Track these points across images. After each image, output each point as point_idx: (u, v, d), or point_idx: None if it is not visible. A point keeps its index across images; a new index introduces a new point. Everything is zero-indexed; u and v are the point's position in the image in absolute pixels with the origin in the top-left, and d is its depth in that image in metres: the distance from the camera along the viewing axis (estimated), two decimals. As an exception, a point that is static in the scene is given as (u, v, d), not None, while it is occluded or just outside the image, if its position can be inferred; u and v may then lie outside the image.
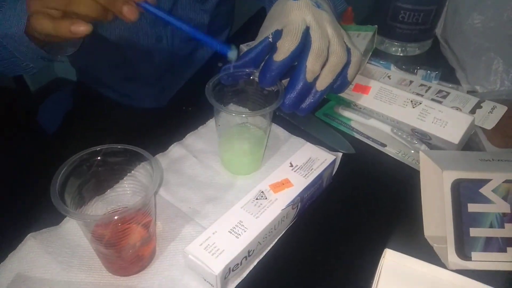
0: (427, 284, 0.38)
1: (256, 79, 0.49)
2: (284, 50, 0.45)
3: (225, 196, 0.50)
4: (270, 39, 0.47)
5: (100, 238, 0.38)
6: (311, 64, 0.46)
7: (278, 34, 0.46)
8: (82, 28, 0.43)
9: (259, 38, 0.48)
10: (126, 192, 0.44)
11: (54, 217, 0.46)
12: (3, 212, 0.48)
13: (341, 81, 0.50)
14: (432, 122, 0.54)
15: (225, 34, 0.90)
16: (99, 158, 0.39)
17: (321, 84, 0.48)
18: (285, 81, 0.49)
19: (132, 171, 0.41)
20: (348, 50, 0.49)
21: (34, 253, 0.42)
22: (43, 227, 0.45)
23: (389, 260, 0.39)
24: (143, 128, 0.66)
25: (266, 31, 0.48)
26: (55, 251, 0.43)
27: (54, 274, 0.41)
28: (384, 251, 0.39)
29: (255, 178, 0.53)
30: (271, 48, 0.47)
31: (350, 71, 0.50)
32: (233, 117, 0.51)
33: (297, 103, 0.48)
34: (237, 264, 0.40)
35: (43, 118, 1.01)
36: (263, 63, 0.48)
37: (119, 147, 0.39)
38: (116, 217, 0.35)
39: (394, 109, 0.57)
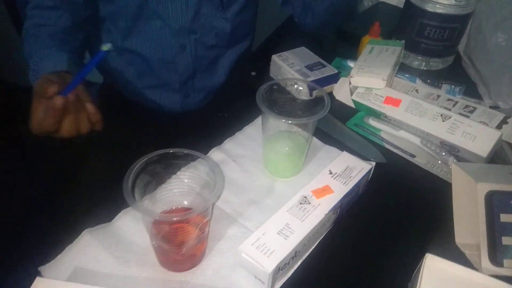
0: (465, 287, 0.40)
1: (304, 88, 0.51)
2: None
3: (266, 200, 0.53)
4: None
5: (161, 234, 0.41)
6: None
7: None
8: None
9: None
10: (183, 192, 0.46)
11: (106, 214, 0.49)
12: (55, 209, 0.50)
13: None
14: (462, 136, 0.57)
15: (248, 42, 0.92)
16: (164, 160, 0.41)
17: None
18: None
19: (190, 173, 0.44)
20: None
21: (90, 247, 0.45)
22: (94, 223, 0.48)
23: (429, 264, 0.41)
24: (176, 132, 0.69)
25: None
26: (111, 246, 0.45)
27: (112, 268, 0.44)
28: (425, 255, 0.42)
29: (294, 183, 0.55)
30: None
31: None
32: (280, 123, 0.54)
33: None
34: (286, 264, 0.43)
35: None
36: None
37: (185, 151, 0.41)
38: (182, 218, 0.38)
39: (425, 122, 0.60)
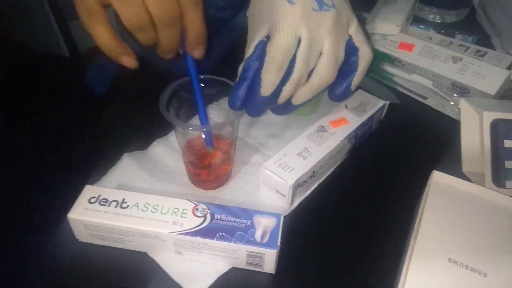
0: (470, 200, 0.44)
1: None
2: (270, 82, 0.40)
3: (286, 133, 0.57)
4: (265, 41, 0.41)
5: (193, 149, 0.46)
6: (287, 91, 0.41)
7: (268, 40, 0.41)
8: (130, 63, 0.36)
9: (252, 41, 0.42)
10: (213, 119, 0.51)
11: (140, 144, 0.54)
12: (92, 139, 0.56)
13: (342, 90, 0.45)
14: (472, 76, 0.60)
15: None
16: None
17: (297, 100, 0.44)
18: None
19: (220, 100, 0.49)
20: (354, 51, 0.43)
21: (130, 168, 0.50)
22: (132, 150, 0.53)
23: (436, 180, 0.46)
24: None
25: (256, 31, 0.42)
26: (148, 167, 0.51)
27: (149, 184, 0.49)
28: (431, 172, 0.46)
29: (311, 120, 0.59)
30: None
31: (355, 81, 0.44)
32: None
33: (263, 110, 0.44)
34: (304, 181, 0.47)
35: (90, 80, 1.09)
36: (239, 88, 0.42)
37: (216, 78, 0.46)
38: (211, 127, 0.43)
39: (436, 64, 0.63)
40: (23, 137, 0.60)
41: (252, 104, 0.42)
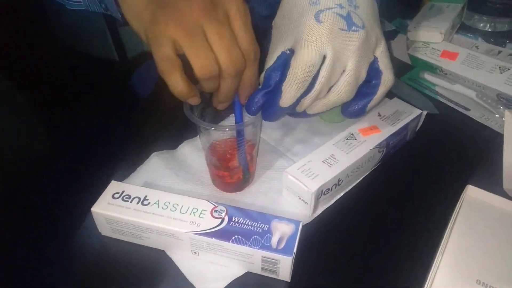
0: (505, 218, 0.41)
1: None
2: (290, 96, 0.39)
3: (313, 139, 0.56)
4: (288, 54, 0.41)
5: (215, 157, 0.46)
6: (305, 104, 0.42)
7: (291, 54, 0.41)
8: (195, 102, 0.40)
9: (275, 51, 0.42)
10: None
11: (170, 143, 0.55)
12: (129, 140, 0.57)
13: (356, 110, 0.44)
14: (520, 87, 0.56)
15: None
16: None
17: (312, 111, 0.44)
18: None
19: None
20: (377, 75, 0.42)
21: (157, 167, 0.51)
22: (160, 150, 0.54)
23: (470, 195, 0.43)
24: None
25: (279, 42, 0.42)
26: (174, 167, 0.52)
27: (174, 184, 0.50)
28: (466, 187, 0.43)
29: (342, 126, 0.57)
30: (288, 62, 0.40)
31: (371, 104, 0.44)
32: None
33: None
34: (328, 189, 0.46)
35: (136, 84, 1.13)
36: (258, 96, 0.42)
37: None
38: (233, 129, 0.43)
39: (481, 74, 0.59)
40: (68, 133, 0.63)
41: (270, 111, 0.42)
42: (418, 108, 0.56)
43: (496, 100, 0.59)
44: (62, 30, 1.36)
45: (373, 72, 0.42)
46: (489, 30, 0.79)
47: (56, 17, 1.31)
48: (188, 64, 0.36)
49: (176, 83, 0.36)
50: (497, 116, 0.59)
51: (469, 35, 0.73)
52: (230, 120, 0.51)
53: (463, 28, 0.75)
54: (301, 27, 0.40)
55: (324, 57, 0.39)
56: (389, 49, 0.45)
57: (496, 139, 0.56)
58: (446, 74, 0.63)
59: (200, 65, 0.35)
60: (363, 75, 0.42)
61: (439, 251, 0.39)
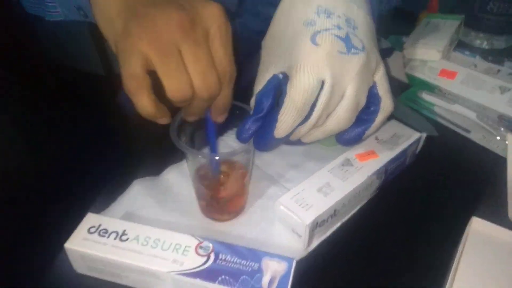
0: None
1: None
2: (287, 125, 0.37)
3: (307, 164, 0.53)
4: (280, 78, 0.38)
5: (203, 178, 0.43)
6: (301, 132, 0.39)
7: (284, 78, 0.38)
8: (164, 122, 0.37)
9: (265, 74, 0.39)
10: (230, 145, 0.48)
11: (153, 169, 0.51)
12: (108, 165, 0.53)
13: (352, 137, 0.42)
14: (522, 109, 0.53)
15: None
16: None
17: (308, 139, 0.41)
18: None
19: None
20: (376, 101, 0.40)
21: (139, 195, 0.48)
22: (143, 176, 0.50)
23: (475, 228, 0.40)
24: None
25: (270, 65, 0.39)
26: (157, 196, 0.48)
27: (157, 214, 0.46)
28: (470, 219, 0.40)
29: (337, 150, 0.54)
30: (281, 86, 0.38)
31: (369, 132, 0.41)
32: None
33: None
34: (324, 221, 0.43)
35: (123, 100, 1.10)
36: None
37: (236, 104, 0.42)
38: (221, 157, 0.40)
39: (482, 94, 0.57)
40: (43, 154, 0.60)
41: (262, 141, 0.39)
42: (417, 130, 0.54)
43: (497, 121, 0.56)
44: (46, 43, 1.33)
45: (372, 98, 0.40)
46: (486, 47, 0.77)
47: (40, 30, 1.28)
48: (158, 80, 0.33)
49: (143, 104, 0.33)
50: (498, 138, 0.56)
51: (466, 52, 0.71)
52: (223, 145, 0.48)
53: (460, 45, 0.73)
54: (296, 50, 0.37)
55: (323, 83, 0.36)
56: (386, 67, 0.42)
57: (498, 162, 0.53)
58: (445, 93, 0.61)
59: (172, 88, 0.32)
60: (363, 100, 0.39)
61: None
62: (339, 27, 0.37)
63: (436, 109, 0.62)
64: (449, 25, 0.67)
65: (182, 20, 0.32)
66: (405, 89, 0.66)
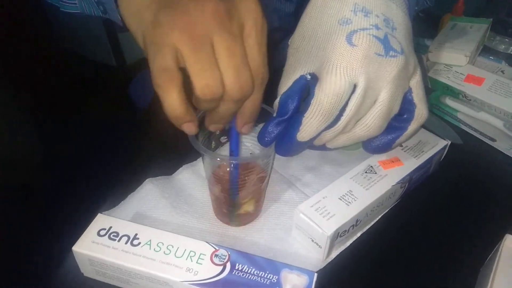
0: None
1: None
2: (312, 129, 0.34)
3: (324, 167, 0.51)
4: (308, 79, 0.36)
5: (219, 180, 0.40)
6: (326, 138, 0.36)
7: (313, 79, 0.35)
8: (191, 130, 0.32)
9: (292, 75, 0.37)
10: (248, 147, 0.45)
11: (167, 168, 0.49)
12: (120, 162, 0.51)
13: (381, 146, 0.39)
14: (554, 119, 0.51)
15: None
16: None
17: (333, 145, 0.38)
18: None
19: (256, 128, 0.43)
20: (410, 108, 0.37)
21: (151, 195, 0.46)
22: (156, 175, 0.48)
23: (509, 246, 0.37)
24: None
25: (298, 66, 0.37)
26: (170, 196, 0.46)
27: (169, 216, 0.44)
28: (504, 236, 0.38)
29: (356, 154, 0.52)
30: (308, 89, 0.35)
31: (400, 140, 0.38)
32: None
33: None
34: (345, 231, 0.40)
35: (134, 93, 1.08)
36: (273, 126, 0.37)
37: None
38: (241, 162, 0.37)
39: (511, 102, 0.54)
40: (53, 149, 0.58)
41: (285, 145, 0.36)
42: (441, 137, 0.51)
43: (526, 131, 0.54)
44: (61, 32, 1.31)
45: (406, 105, 0.37)
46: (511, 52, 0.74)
47: (54, 18, 1.26)
48: (188, 78, 0.30)
49: (172, 103, 0.30)
50: (526, 148, 0.54)
51: (491, 57, 0.68)
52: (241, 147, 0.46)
53: (484, 50, 0.70)
54: (328, 49, 0.34)
55: (355, 86, 0.34)
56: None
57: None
58: (470, 100, 0.58)
59: (203, 84, 0.29)
60: (396, 107, 0.36)
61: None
62: (377, 27, 0.35)
63: (459, 115, 0.59)
64: (476, 29, 0.65)
65: (218, 11, 0.29)
66: (428, 94, 0.63)
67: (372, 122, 0.35)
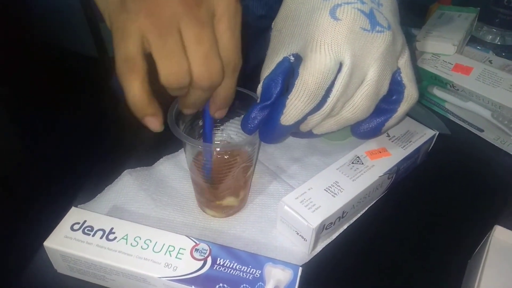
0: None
1: None
2: (297, 112, 0.32)
3: (311, 159, 0.49)
4: (292, 60, 0.34)
5: (200, 169, 0.39)
6: (313, 122, 0.35)
7: (297, 60, 0.33)
8: (154, 125, 0.30)
9: (275, 57, 0.35)
10: (232, 135, 0.44)
11: (146, 159, 0.47)
12: (98, 151, 0.49)
13: (370, 130, 0.37)
14: (542, 109, 0.50)
15: None
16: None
17: (319, 130, 0.37)
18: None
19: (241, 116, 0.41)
20: (399, 89, 0.35)
21: (129, 188, 0.44)
22: (137, 166, 0.46)
23: (498, 237, 0.36)
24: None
25: (281, 47, 0.35)
26: (149, 188, 0.44)
27: (148, 209, 0.42)
28: (493, 227, 0.37)
29: (343, 145, 0.51)
30: (292, 71, 0.34)
31: (389, 123, 0.37)
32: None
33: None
34: (331, 223, 0.39)
35: (116, 84, 1.05)
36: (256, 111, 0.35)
37: (241, 90, 0.38)
38: (223, 148, 0.35)
39: (499, 92, 0.53)
40: (26, 138, 0.55)
41: (268, 130, 0.35)
42: (429, 127, 0.50)
43: (513, 121, 0.53)
44: (40, 23, 1.27)
45: (395, 86, 0.35)
46: (499, 43, 0.73)
47: (35, 10, 1.22)
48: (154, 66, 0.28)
49: (134, 92, 0.28)
50: (513, 139, 0.53)
51: (478, 47, 0.67)
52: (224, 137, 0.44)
53: (471, 40, 0.70)
54: (312, 26, 0.32)
55: (341, 64, 0.32)
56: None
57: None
58: (458, 90, 0.57)
59: (167, 72, 0.28)
60: (385, 87, 0.34)
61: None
62: (362, 2, 0.33)
63: (447, 105, 0.58)
64: (464, 18, 0.64)
65: None
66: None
67: (359, 103, 0.33)
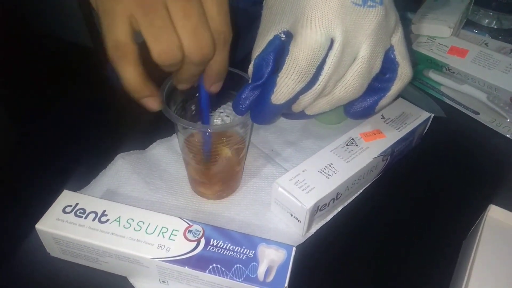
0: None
1: None
2: (288, 90, 0.31)
3: (305, 142, 0.49)
4: (283, 38, 0.33)
5: (193, 149, 0.39)
6: (305, 102, 0.33)
7: (288, 38, 0.33)
8: (151, 105, 0.31)
9: (266, 35, 0.34)
10: (225, 116, 0.43)
11: (140, 144, 0.47)
12: (91, 136, 0.49)
13: (363, 109, 0.36)
14: (537, 90, 0.50)
15: None
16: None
17: (311, 111, 0.36)
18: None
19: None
20: (392, 67, 0.35)
21: (123, 171, 0.43)
22: (128, 150, 0.46)
23: (492, 216, 0.36)
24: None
25: (272, 25, 0.34)
26: (143, 172, 0.44)
27: (142, 193, 0.42)
28: (488, 207, 0.37)
29: (338, 128, 0.51)
30: (284, 49, 0.32)
31: (383, 102, 0.36)
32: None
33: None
34: (325, 205, 0.39)
35: (111, 73, 1.04)
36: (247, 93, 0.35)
37: (233, 70, 0.38)
38: (215, 130, 0.35)
39: (494, 74, 0.53)
40: (20, 125, 0.55)
41: (259, 110, 0.34)
42: (423, 110, 0.50)
43: (509, 103, 0.53)
44: (33, 13, 1.25)
45: (388, 64, 0.34)
46: (495, 26, 0.73)
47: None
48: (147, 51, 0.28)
49: (128, 77, 0.28)
50: (509, 121, 0.53)
51: (475, 31, 0.67)
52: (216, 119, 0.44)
53: (467, 23, 0.69)
54: (301, 2, 0.31)
55: (332, 41, 0.31)
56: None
57: (508, 146, 0.50)
58: (454, 73, 0.57)
59: (159, 50, 0.28)
60: (377, 65, 0.34)
61: (461, 278, 0.32)
62: None
63: (443, 89, 0.58)
64: (460, 0, 0.63)
65: None
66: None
67: (352, 81, 0.33)
